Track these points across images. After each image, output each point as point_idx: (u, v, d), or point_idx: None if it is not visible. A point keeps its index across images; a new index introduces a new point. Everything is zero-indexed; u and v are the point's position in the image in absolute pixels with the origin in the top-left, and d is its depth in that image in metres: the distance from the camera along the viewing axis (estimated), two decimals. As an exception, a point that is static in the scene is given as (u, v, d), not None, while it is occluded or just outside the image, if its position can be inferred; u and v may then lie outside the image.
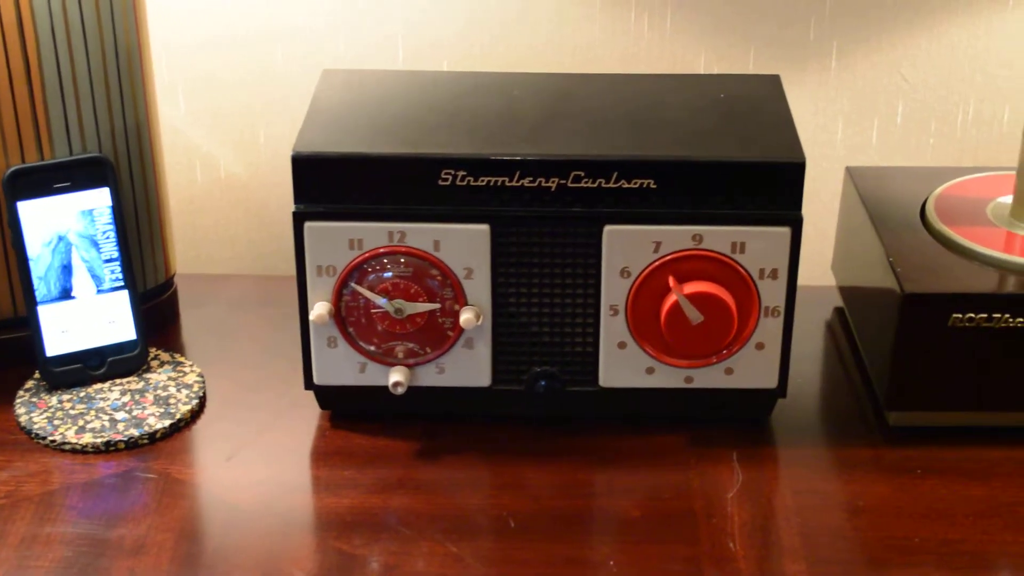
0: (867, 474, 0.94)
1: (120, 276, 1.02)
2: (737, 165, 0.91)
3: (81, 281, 1.01)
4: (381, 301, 0.94)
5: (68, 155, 1.01)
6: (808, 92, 1.19)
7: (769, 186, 0.91)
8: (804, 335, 1.09)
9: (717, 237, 0.92)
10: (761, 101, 0.99)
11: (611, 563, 0.86)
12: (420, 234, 0.93)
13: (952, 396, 0.96)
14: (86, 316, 1.02)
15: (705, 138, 0.94)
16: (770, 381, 0.96)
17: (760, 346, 0.95)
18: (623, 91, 1.01)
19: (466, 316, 0.93)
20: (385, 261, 0.93)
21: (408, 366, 0.96)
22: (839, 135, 1.20)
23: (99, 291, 1.02)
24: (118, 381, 1.02)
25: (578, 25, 1.17)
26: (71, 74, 0.99)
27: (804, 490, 0.93)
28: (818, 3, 1.15)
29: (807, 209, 0.92)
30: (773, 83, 1.02)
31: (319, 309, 0.94)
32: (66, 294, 1.01)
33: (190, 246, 1.26)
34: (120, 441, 0.96)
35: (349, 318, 0.95)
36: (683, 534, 0.88)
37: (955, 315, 0.93)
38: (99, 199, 1.01)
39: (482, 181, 0.92)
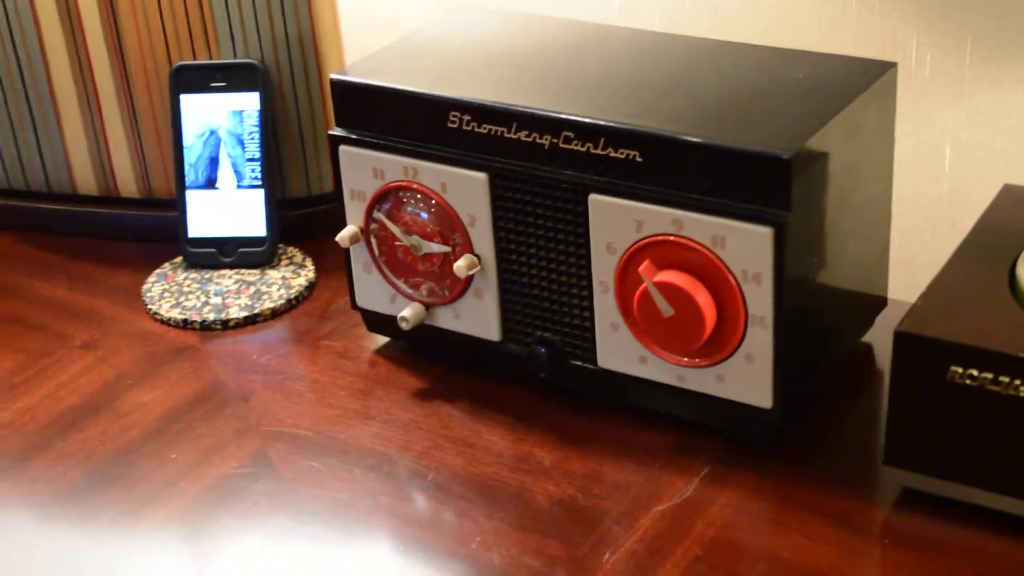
0: (819, 529, 0.81)
1: (259, 176, 1.10)
2: (716, 149, 0.81)
3: (225, 174, 1.11)
4: (398, 232, 0.94)
5: (232, 58, 1.10)
6: (1034, 97, 1.00)
7: (752, 179, 0.81)
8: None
9: (697, 226, 0.83)
10: (832, 88, 0.87)
11: (474, 544, 0.82)
12: (430, 173, 0.92)
13: (951, 464, 0.80)
14: (225, 207, 1.11)
15: (714, 117, 0.84)
16: (763, 399, 0.85)
17: (749, 358, 0.85)
18: (701, 58, 0.92)
19: (458, 264, 0.92)
20: (405, 195, 0.94)
21: (427, 305, 0.96)
22: (1072, 152, 1.01)
23: (239, 186, 1.11)
24: (242, 271, 1.11)
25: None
26: (233, -16, 1.08)
27: (735, 525, 0.82)
28: (1045, -8, 0.97)
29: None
30: (876, 73, 0.88)
31: (345, 231, 0.96)
32: (211, 183, 1.11)
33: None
34: (196, 322, 1.05)
35: (381, 247, 0.97)
36: (569, 531, 0.82)
37: (954, 368, 0.77)
38: (250, 102, 1.09)
39: (484, 129, 0.89)
